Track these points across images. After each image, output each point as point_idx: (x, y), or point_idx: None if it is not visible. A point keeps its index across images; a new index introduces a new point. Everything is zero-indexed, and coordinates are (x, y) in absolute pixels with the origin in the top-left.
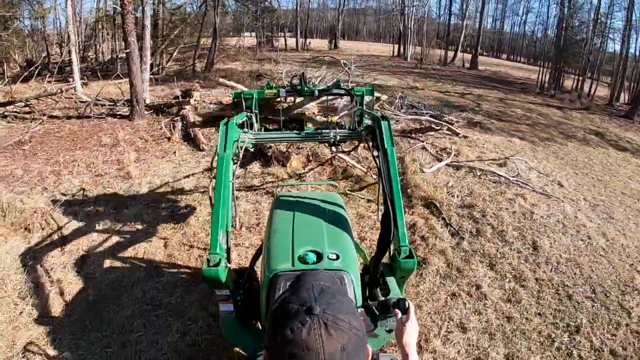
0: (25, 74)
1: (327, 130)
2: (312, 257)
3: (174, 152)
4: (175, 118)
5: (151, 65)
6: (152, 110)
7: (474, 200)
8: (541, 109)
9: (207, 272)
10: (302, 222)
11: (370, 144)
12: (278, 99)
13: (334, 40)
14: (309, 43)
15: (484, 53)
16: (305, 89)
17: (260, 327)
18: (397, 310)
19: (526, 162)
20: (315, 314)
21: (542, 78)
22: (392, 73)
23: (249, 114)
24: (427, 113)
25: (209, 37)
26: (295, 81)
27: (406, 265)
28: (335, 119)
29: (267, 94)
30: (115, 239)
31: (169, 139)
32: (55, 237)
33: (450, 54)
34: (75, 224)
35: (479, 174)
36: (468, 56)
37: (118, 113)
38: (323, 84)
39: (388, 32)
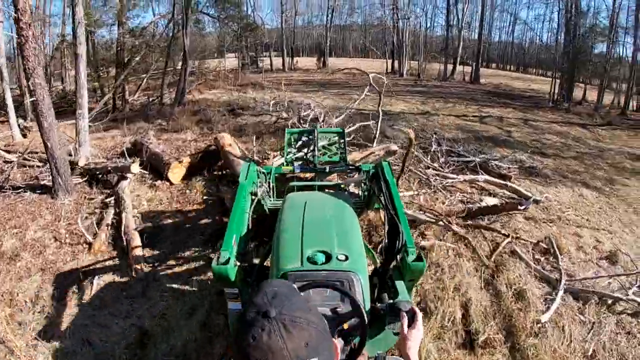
0: None
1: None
2: (321, 257)
3: (92, 282)
4: (108, 199)
5: (110, 99)
6: (87, 177)
7: None
8: (569, 129)
9: (216, 269)
10: (311, 222)
11: (375, 187)
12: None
13: (322, 58)
14: (296, 62)
15: (470, 62)
16: (318, 167)
17: None
18: (403, 315)
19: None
20: (271, 317)
21: (552, 90)
22: (392, 92)
23: (265, 185)
24: (471, 161)
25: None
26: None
27: (415, 267)
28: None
29: (284, 169)
30: None
31: (90, 245)
32: None
33: (449, 67)
34: None
35: (609, 302)
36: (467, 69)
37: (43, 182)
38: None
39: (375, 47)
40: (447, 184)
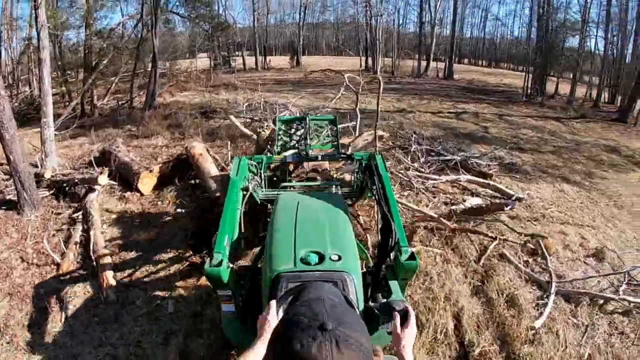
0: None
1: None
2: (314, 258)
3: (62, 307)
4: (75, 214)
5: (78, 104)
6: (53, 190)
7: None
8: (544, 123)
9: (209, 271)
10: (304, 223)
11: (369, 180)
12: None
13: (295, 57)
14: (269, 61)
15: (443, 58)
16: (310, 155)
17: None
18: (396, 314)
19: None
20: (327, 329)
21: (525, 84)
22: (368, 90)
23: (257, 178)
24: (451, 160)
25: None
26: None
27: (409, 266)
28: (337, 175)
29: (276, 159)
30: None
31: (58, 266)
32: None
33: (422, 63)
34: None
35: (600, 302)
36: (440, 65)
37: (9, 197)
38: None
39: (348, 45)
40: (429, 186)
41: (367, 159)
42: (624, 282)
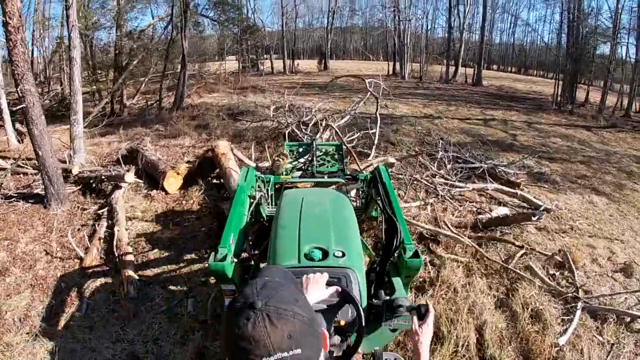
0: None
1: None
2: (318, 254)
3: (82, 302)
4: (101, 210)
5: (108, 103)
6: (80, 186)
7: None
8: (574, 132)
9: (213, 265)
10: (308, 219)
11: (373, 190)
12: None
13: (323, 61)
14: (297, 64)
15: (471, 64)
16: (317, 176)
17: None
18: (414, 311)
19: None
20: (257, 308)
21: (555, 92)
22: (394, 95)
23: (264, 194)
24: (478, 167)
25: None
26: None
27: (412, 264)
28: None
29: (283, 178)
30: None
31: (81, 260)
32: None
33: (451, 69)
34: None
35: (627, 320)
36: (468, 71)
37: (36, 191)
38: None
39: (375, 49)
40: (455, 193)
41: (371, 173)
42: None
